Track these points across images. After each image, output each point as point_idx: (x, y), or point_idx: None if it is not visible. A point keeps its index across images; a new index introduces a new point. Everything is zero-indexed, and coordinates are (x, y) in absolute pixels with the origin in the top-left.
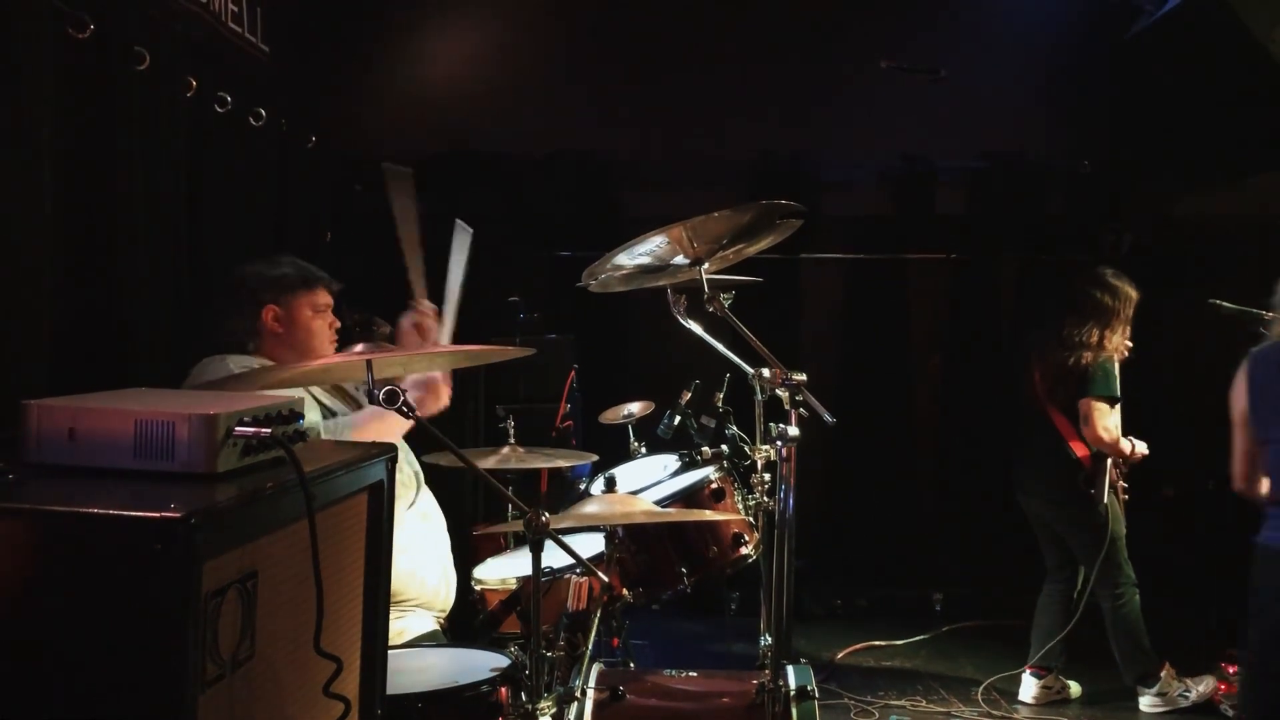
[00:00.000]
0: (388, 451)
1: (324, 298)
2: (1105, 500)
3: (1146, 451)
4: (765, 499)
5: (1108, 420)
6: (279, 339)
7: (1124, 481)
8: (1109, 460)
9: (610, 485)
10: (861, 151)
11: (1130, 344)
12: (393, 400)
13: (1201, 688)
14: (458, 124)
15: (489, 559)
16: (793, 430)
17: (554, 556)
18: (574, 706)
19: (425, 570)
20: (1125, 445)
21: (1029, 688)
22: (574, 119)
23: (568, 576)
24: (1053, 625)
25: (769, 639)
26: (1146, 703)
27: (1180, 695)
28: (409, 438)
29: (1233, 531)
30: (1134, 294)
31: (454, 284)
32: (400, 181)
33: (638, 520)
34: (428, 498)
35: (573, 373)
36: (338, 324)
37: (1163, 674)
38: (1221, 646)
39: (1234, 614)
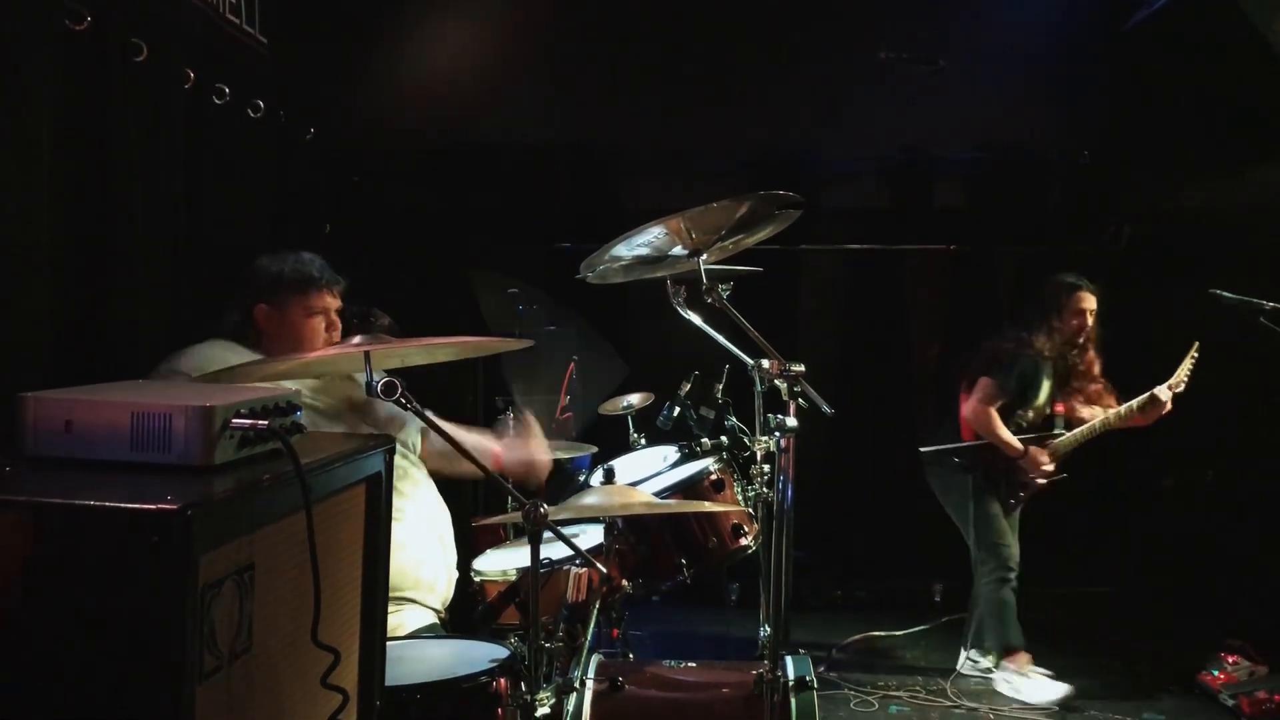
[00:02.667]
0: (385, 443)
1: (322, 300)
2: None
3: (1049, 469)
4: (764, 490)
5: (990, 404)
6: (270, 337)
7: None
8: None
9: (609, 477)
10: (860, 142)
11: (1085, 354)
12: (391, 392)
13: (1029, 688)
14: (457, 116)
15: (488, 551)
16: (791, 421)
17: (553, 548)
18: (573, 697)
19: (423, 562)
20: (1010, 439)
21: (961, 659)
22: (572, 111)
23: (567, 568)
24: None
25: (768, 630)
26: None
27: (1015, 679)
28: None
29: (1232, 523)
30: (1083, 304)
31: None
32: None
33: (637, 512)
34: (427, 488)
35: (572, 364)
36: (338, 325)
37: (1013, 660)
38: (1222, 636)
39: (1234, 604)
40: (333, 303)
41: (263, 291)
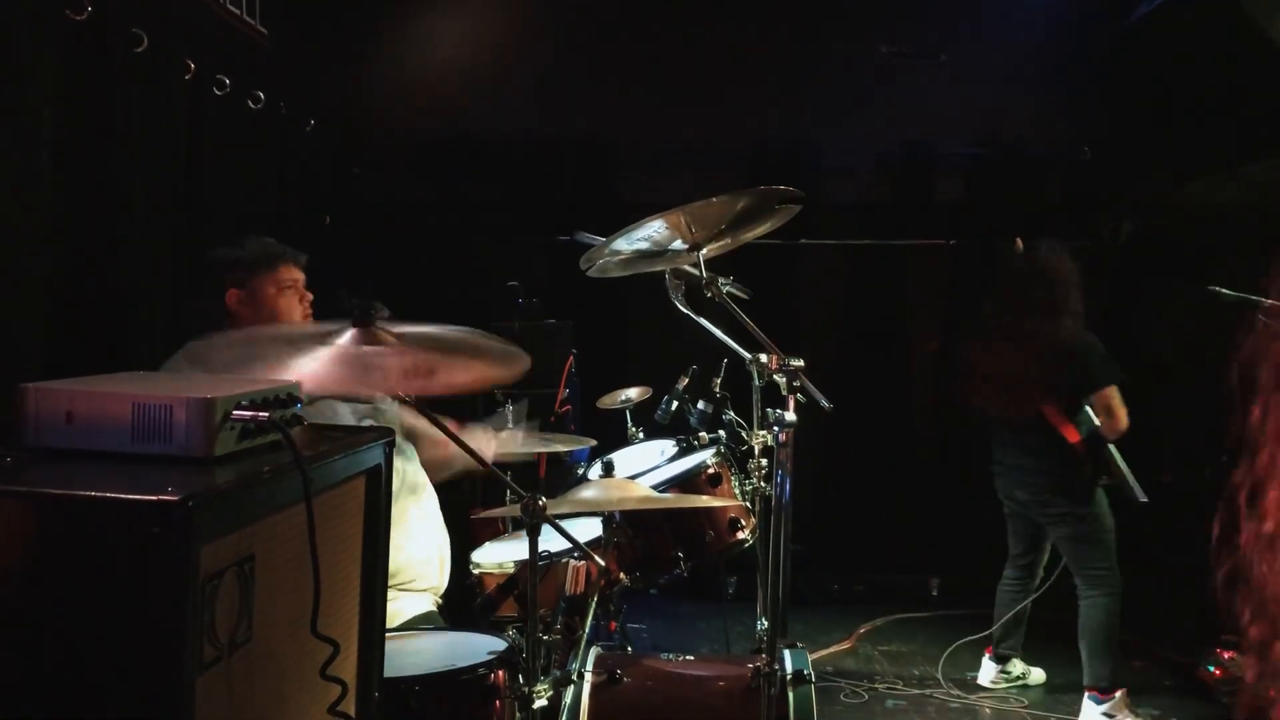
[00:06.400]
0: (385, 436)
1: (288, 274)
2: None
3: None
4: (762, 484)
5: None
6: (246, 320)
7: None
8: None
9: (608, 470)
10: (861, 137)
11: None
12: None
13: None
14: (457, 108)
15: (487, 543)
16: (790, 416)
17: (552, 540)
18: (571, 690)
19: (416, 547)
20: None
21: (988, 671)
22: (573, 103)
23: (565, 560)
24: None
25: (766, 623)
26: (1090, 712)
27: None
28: None
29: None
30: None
31: None
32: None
33: (635, 505)
34: (414, 467)
35: (571, 358)
36: (309, 297)
37: (1118, 695)
38: (1217, 632)
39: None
40: (300, 276)
41: (230, 276)
